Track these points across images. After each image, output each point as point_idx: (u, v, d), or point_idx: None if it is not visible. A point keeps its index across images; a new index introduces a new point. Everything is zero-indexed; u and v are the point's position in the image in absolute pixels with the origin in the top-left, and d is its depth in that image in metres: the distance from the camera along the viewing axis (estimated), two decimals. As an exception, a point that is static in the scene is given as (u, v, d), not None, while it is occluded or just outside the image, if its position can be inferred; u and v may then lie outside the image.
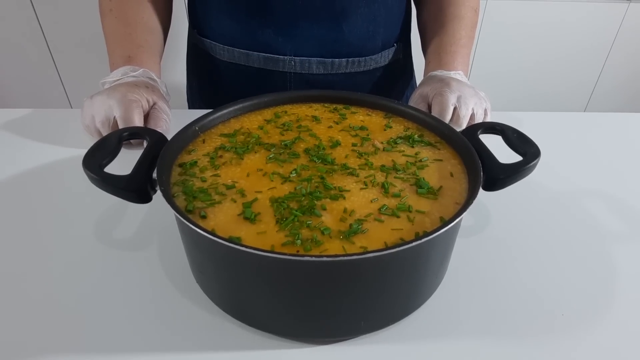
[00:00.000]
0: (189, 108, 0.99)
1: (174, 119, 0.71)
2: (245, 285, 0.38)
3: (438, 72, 0.76)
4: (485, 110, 0.72)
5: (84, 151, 0.43)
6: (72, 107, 1.72)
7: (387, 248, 0.33)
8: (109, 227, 0.53)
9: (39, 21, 1.52)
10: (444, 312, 0.44)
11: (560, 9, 1.61)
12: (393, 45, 0.86)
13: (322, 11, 0.76)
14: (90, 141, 0.67)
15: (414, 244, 0.34)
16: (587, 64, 1.76)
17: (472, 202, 0.38)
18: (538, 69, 1.75)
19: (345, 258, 0.32)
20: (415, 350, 0.40)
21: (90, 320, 0.42)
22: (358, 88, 0.84)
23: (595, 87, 1.83)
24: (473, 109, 0.70)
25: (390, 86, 0.90)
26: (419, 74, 0.90)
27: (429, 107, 0.72)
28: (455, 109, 0.69)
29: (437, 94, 0.70)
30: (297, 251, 0.35)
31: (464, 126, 0.70)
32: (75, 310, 0.43)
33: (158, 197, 0.42)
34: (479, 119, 0.71)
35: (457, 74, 0.75)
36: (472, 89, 0.72)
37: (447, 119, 0.69)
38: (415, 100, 0.74)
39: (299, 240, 0.36)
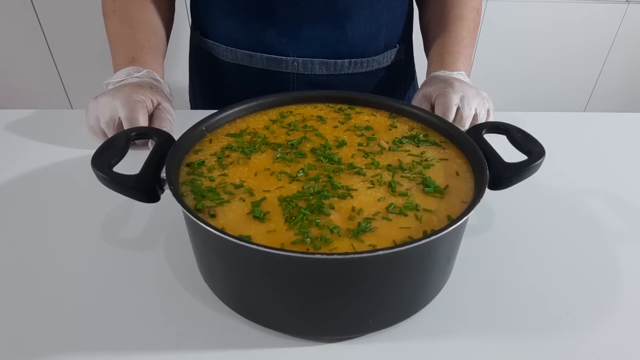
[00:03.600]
0: (191, 109, 1.00)
1: (176, 120, 0.71)
2: (254, 284, 0.38)
3: (441, 73, 0.76)
4: (488, 110, 0.72)
5: (87, 152, 0.43)
6: (72, 108, 1.72)
7: (396, 246, 0.34)
8: (115, 228, 0.53)
9: (39, 21, 1.52)
10: (450, 310, 0.44)
11: (560, 10, 1.62)
12: (395, 46, 0.86)
13: (324, 12, 0.76)
14: (93, 142, 0.68)
15: (423, 241, 0.34)
16: (587, 65, 1.77)
17: (479, 200, 0.38)
18: (538, 69, 1.76)
19: (356, 256, 0.33)
20: (422, 348, 0.41)
21: (98, 319, 0.42)
22: (360, 89, 0.85)
23: (594, 88, 1.84)
24: (476, 109, 0.70)
25: (393, 87, 0.91)
26: (421, 75, 0.90)
27: (432, 107, 0.72)
28: (458, 109, 0.69)
29: (440, 94, 0.70)
30: (307, 249, 0.36)
31: (467, 126, 0.70)
32: (84, 310, 0.43)
33: (164, 196, 0.43)
34: (481, 119, 0.71)
35: (460, 75, 0.76)
36: (474, 89, 0.72)
37: (450, 119, 0.69)
38: (418, 101, 0.75)
39: (308, 239, 0.36)
